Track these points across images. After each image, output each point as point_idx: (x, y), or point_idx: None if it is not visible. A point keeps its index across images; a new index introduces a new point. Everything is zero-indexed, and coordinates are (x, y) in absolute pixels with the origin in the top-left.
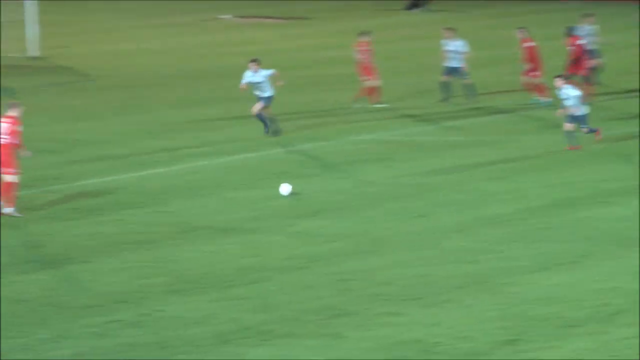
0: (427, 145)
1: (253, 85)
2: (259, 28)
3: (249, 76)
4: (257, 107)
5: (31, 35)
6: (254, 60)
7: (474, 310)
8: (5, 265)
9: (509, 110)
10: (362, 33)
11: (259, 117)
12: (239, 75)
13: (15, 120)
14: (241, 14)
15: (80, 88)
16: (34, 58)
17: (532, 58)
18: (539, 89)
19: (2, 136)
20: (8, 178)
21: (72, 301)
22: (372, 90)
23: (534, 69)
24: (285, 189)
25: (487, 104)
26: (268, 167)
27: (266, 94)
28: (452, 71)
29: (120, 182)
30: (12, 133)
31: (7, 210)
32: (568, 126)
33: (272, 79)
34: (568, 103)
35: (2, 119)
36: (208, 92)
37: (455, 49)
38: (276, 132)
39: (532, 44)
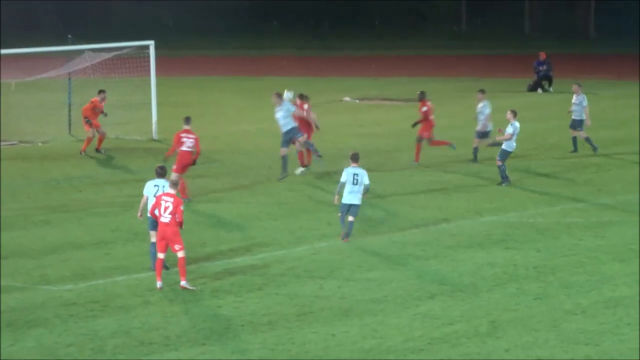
0: (545, 227)
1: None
2: (382, 110)
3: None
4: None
5: (154, 117)
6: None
7: None
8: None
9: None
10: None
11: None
12: (363, 155)
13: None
14: (363, 96)
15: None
16: (155, 140)
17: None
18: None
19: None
20: (179, 254)
21: None
22: None
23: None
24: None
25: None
26: (384, 249)
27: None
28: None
29: (238, 263)
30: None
31: (183, 283)
32: None
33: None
34: None
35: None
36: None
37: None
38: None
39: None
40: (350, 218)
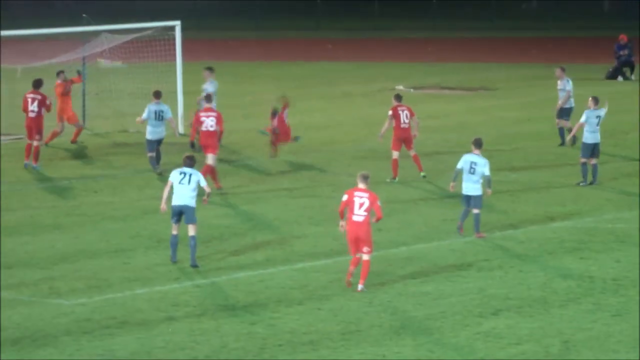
0: (626, 233)
1: None
2: (440, 100)
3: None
4: None
5: (181, 109)
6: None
7: None
8: None
9: None
10: None
11: None
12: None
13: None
14: (417, 85)
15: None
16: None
17: None
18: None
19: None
20: (365, 257)
21: None
22: None
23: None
24: None
25: None
26: (441, 259)
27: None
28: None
29: (276, 274)
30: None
31: (360, 287)
32: None
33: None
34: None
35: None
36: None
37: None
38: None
39: None
40: (475, 211)
